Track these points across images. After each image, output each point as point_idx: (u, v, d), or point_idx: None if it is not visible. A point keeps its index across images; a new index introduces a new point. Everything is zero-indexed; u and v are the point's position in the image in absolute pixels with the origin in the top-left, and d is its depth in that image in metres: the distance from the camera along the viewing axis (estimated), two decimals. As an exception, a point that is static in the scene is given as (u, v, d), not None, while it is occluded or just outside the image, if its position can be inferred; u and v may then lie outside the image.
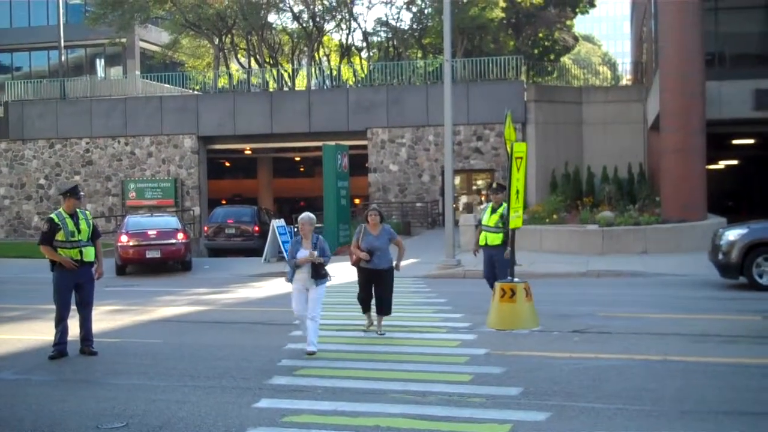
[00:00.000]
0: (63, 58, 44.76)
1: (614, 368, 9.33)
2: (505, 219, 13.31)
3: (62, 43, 42.32)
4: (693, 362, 9.54)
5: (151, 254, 22.25)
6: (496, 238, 13.68)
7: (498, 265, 13.57)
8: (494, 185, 14.70)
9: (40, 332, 12.71)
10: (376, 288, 11.79)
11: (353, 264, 11.93)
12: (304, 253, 10.55)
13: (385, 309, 11.81)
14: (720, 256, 16.08)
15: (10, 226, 39.37)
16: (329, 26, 47.16)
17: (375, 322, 11.97)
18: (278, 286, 18.50)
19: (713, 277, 16.68)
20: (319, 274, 10.62)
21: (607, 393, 8.25)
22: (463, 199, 35.67)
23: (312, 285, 10.66)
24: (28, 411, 8.11)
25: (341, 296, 15.45)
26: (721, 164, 36.49)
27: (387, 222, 13.13)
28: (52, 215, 10.92)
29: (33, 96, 42.12)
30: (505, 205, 13.34)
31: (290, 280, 10.86)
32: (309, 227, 10.72)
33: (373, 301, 11.94)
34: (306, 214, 10.82)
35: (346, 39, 47.82)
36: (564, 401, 7.96)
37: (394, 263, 11.93)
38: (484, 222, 13.98)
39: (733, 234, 16.11)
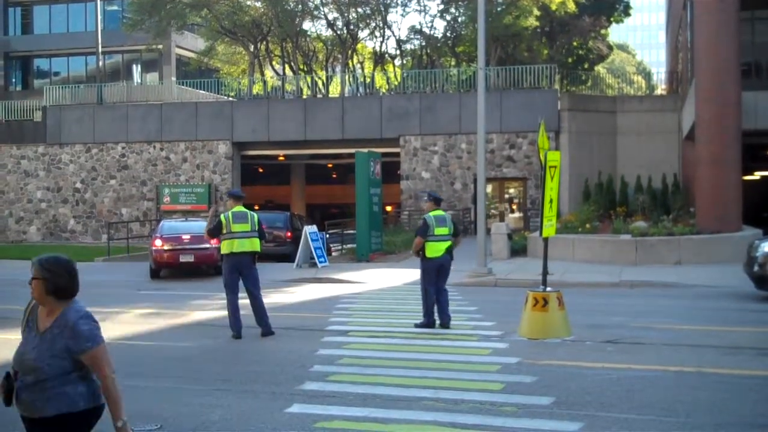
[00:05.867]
0: (100, 64, 45.35)
1: (647, 379, 9.27)
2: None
3: (100, 49, 42.88)
4: (727, 374, 9.46)
5: (184, 258, 22.46)
6: None
7: None
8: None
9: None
10: None
11: None
12: None
13: None
14: (755, 268, 15.89)
15: (47, 229, 39.89)
16: (363, 34, 47.39)
17: None
18: (310, 291, 18.62)
19: (748, 289, 16.48)
20: None
21: (640, 404, 8.20)
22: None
23: None
24: (65, 411, 8.20)
25: (372, 302, 15.48)
26: (757, 175, 36.06)
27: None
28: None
29: (70, 101, 42.77)
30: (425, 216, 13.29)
31: None
32: None
33: None
34: None
35: (380, 47, 47.99)
36: (596, 411, 7.93)
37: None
38: None
39: (769, 246, 15.93)
